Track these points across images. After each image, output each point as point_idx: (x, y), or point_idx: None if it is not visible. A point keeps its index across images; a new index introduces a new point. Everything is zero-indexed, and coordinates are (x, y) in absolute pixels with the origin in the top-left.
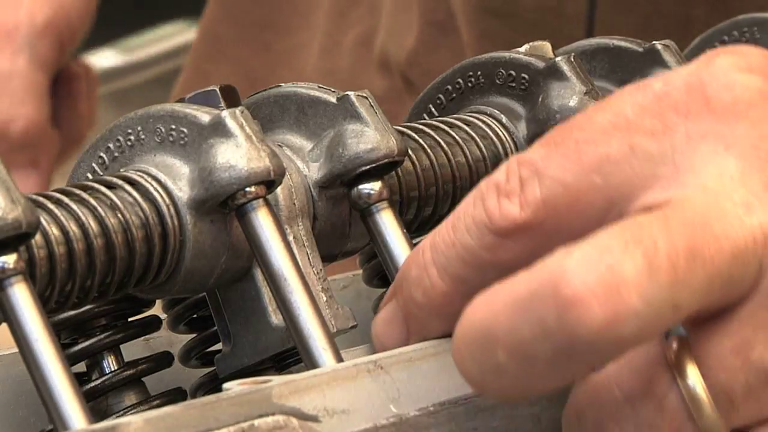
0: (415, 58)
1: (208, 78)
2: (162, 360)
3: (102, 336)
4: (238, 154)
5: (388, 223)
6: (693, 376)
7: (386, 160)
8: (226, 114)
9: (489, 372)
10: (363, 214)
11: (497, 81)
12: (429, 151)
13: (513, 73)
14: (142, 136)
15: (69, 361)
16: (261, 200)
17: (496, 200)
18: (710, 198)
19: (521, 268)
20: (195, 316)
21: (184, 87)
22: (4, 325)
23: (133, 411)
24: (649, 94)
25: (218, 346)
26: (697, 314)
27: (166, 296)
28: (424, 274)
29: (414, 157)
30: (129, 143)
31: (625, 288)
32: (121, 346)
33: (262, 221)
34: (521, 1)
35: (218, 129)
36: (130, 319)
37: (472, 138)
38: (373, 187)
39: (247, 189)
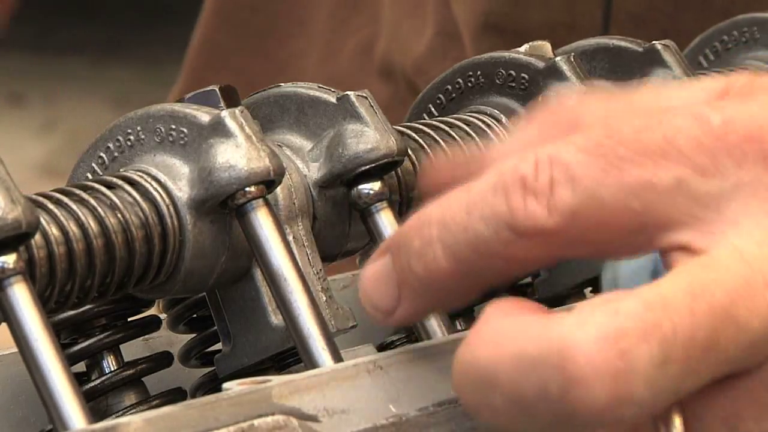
0: (423, 66)
1: (207, 86)
2: (162, 360)
3: (102, 336)
4: (237, 154)
5: (387, 223)
6: (678, 429)
7: (386, 160)
8: (225, 114)
9: (485, 408)
10: (362, 214)
11: (497, 81)
12: (429, 151)
13: (513, 72)
14: (142, 136)
15: (69, 361)
16: (261, 200)
17: (521, 197)
18: (744, 272)
19: (534, 265)
20: (195, 316)
21: (181, 96)
22: (4, 325)
23: (132, 411)
24: (706, 128)
25: (218, 346)
26: None
27: (166, 296)
28: (429, 249)
29: (414, 157)
30: (129, 143)
31: (633, 376)
32: (121, 346)
33: (262, 221)
34: (529, 16)
35: (218, 129)
36: (129, 319)
37: (472, 138)
38: (372, 186)
39: (247, 189)
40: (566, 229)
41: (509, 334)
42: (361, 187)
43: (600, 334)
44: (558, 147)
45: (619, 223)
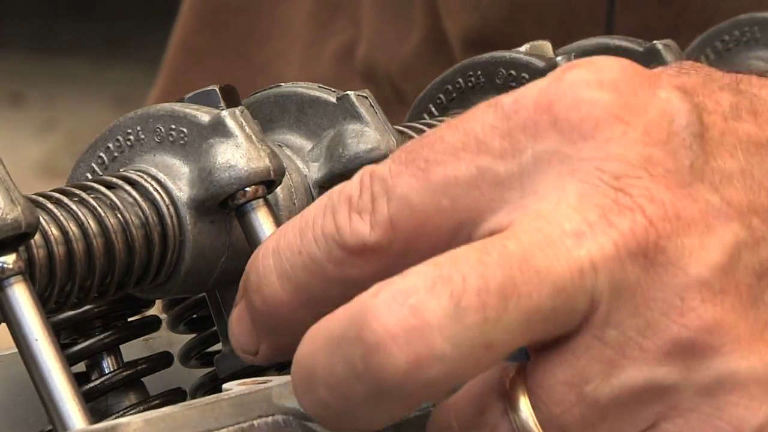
0: (410, 72)
1: (187, 89)
2: (162, 360)
3: (101, 336)
4: (237, 153)
5: None
6: (524, 408)
7: None
8: (225, 114)
9: (318, 407)
10: None
11: (497, 81)
12: None
13: (513, 72)
14: (142, 136)
15: (68, 361)
16: (261, 200)
17: (347, 215)
18: (540, 226)
19: (369, 285)
20: (195, 316)
21: (160, 98)
22: (4, 325)
23: (132, 411)
24: (500, 112)
25: (218, 347)
26: (529, 346)
27: (166, 296)
28: (264, 281)
29: None
30: (129, 143)
31: (428, 331)
32: (121, 347)
33: (262, 221)
34: (523, 31)
35: (218, 129)
36: (129, 320)
37: None
38: None
39: (247, 189)
40: (389, 241)
41: (321, 323)
42: None
43: (389, 296)
44: (379, 164)
45: (434, 225)
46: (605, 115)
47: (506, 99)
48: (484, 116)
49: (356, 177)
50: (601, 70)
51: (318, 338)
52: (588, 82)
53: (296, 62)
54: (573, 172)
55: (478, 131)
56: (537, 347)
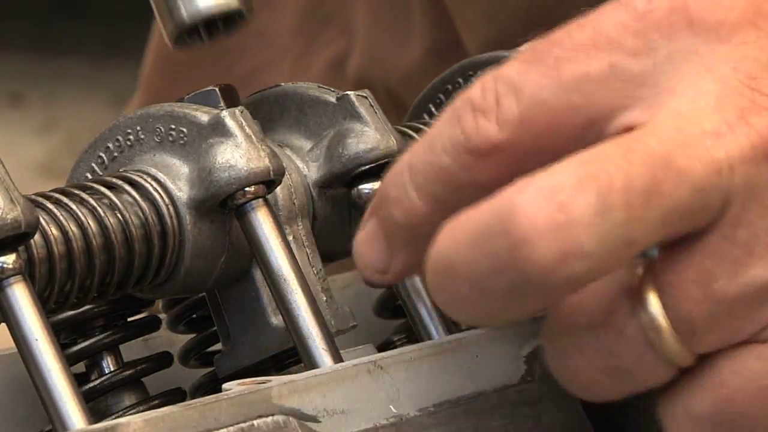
0: (413, 82)
1: (166, 101)
2: (161, 360)
3: (101, 336)
4: (237, 153)
5: None
6: (654, 304)
7: (386, 160)
8: (225, 114)
9: (456, 302)
10: (363, 213)
11: None
12: None
13: None
14: (142, 136)
15: (68, 361)
16: (260, 200)
17: (472, 118)
18: (680, 125)
19: (500, 187)
20: (194, 316)
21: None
22: (4, 325)
23: (132, 411)
24: (632, 12)
25: (218, 346)
26: (660, 242)
27: (166, 296)
28: (403, 195)
29: None
30: (128, 143)
31: (575, 227)
32: (121, 346)
33: (262, 221)
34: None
35: (218, 129)
36: (129, 319)
37: None
38: (372, 186)
39: (247, 189)
40: (519, 139)
41: (462, 219)
42: (361, 186)
43: (537, 192)
44: (501, 66)
45: (565, 122)
46: (741, 19)
47: (638, 0)
48: (615, 15)
49: (477, 82)
50: None
51: (459, 232)
52: None
53: (285, 74)
54: (710, 71)
55: (610, 29)
56: (665, 245)
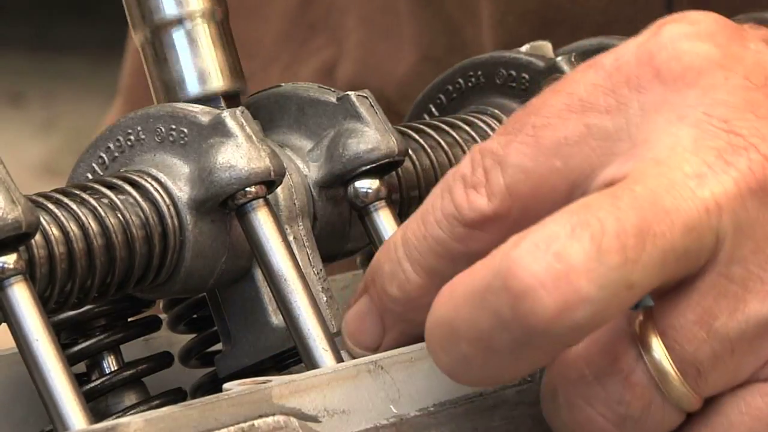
0: (408, 91)
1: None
2: (162, 360)
3: (102, 336)
4: (238, 154)
5: (386, 222)
6: (658, 349)
7: (386, 160)
8: (226, 114)
9: (458, 363)
10: (360, 213)
11: (497, 81)
12: (429, 151)
13: (513, 72)
14: (142, 136)
15: (69, 361)
16: (261, 200)
17: (463, 192)
18: (662, 171)
19: None
20: (195, 316)
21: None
22: (4, 325)
23: (133, 411)
24: (601, 71)
25: (218, 347)
26: (659, 288)
27: (166, 296)
28: (398, 269)
29: (414, 157)
30: (129, 143)
31: (574, 274)
32: (121, 346)
33: (262, 221)
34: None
35: (218, 129)
36: (130, 319)
37: (473, 138)
38: (370, 185)
39: (247, 189)
40: (508, 208)
41: (459, 280)
42: (358, 185)
43: (532, 245)
44: (487, 140)
45: (550, 187)
46: (707, 63)
47: (606, 58)
48: (586, 77)
49: (466, 157)
50: (697, 23)
51: (457, 294)
52: (687, 35)
53: (275, 82)
54: (682, 119)
55: (582, 91)
56: (662, 291)
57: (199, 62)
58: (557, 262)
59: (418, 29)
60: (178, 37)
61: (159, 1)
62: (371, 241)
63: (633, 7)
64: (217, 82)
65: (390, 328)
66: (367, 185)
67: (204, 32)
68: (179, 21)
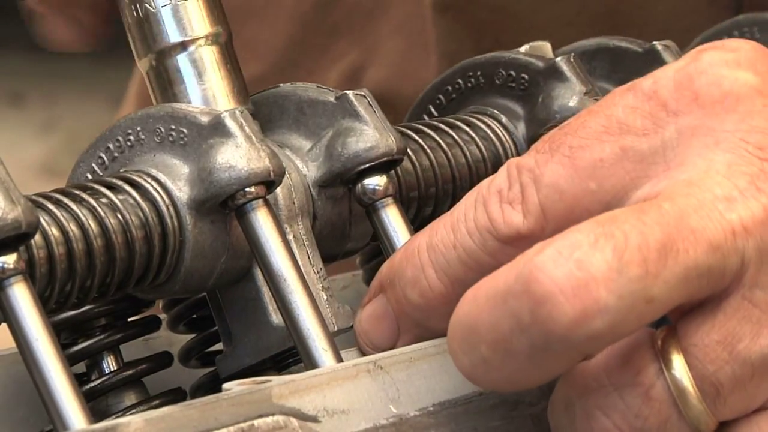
0: None
1: None
2: (162, 360)
3: (102, 336)
4: (237, 154)
5: (393, 219)
6: (679, 367)
7: (385, 159)
8: (225, 114)
9: (477, 365)
10: (368, 210)
11: (497, 81)
12: (429, 151)
13: (513, 73)
14: (142, 137)
15: (69, 361)
16: (261, 200)
17: (499, 207)
18: (692, 191)
19: None
20: (195, 316)
21: None
22: (4, 325)
23: (132, 411)
24: (639, 94)
25: (218, 347)
26: (682, 305)
27: (166, 296)
28: (421, 275)
29: (414, 157)
30: (129, 143)
31: (594, 283)
32: (121, 346)
33: (262, 221)
34: None
35: (218, 129)
36: (129, 320)
37: (473, 139)
38: (378, 182)
39: (247, 189)
40: (541, 227)
41: (482, 284)
42: (366, 182)
43: (555, 251)
44: (523, 156)
45: (583, 208)
46: (746, 90)
47: (645, 82)
48: (624, 99)
49: (503, 170)
50: (737, 50)
51: (480, 297)
52: (726, 61)
53: None
54: (718, 143)
55: (620, 113)
56: (685, 309)
57: (204, 86)
58: (578, 270)
59: (440, 34)
60: (183, 61)
61: (162, 28)
62: (378, 238)
63: (698, 15)
64: (223, 105)
65: (405, 332)
66: (375, 182)
67: (209, 55)
68: (182, 46)
